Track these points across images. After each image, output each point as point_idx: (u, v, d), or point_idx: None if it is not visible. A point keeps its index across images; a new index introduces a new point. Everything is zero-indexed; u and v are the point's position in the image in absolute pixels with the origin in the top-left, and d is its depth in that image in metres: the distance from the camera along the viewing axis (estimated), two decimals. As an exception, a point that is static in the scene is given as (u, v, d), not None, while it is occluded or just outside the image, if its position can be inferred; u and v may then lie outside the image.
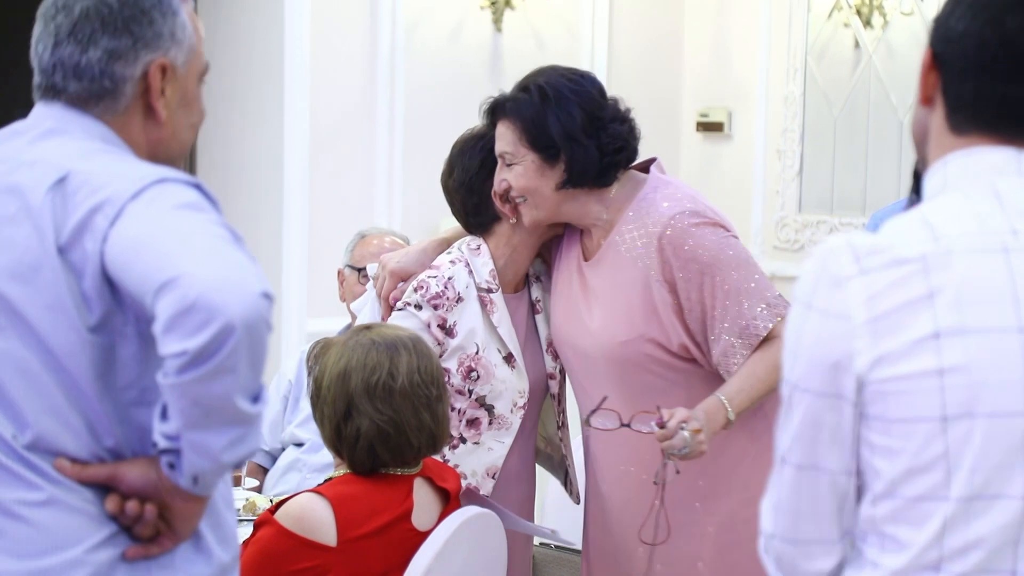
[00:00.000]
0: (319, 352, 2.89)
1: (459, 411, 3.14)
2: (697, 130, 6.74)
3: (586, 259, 3.17)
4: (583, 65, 6.48)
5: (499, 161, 3.16)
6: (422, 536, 2.79)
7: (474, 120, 6.41)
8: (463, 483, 3.07)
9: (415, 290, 3.16)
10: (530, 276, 3.30)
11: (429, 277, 3.17)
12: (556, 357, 3.25)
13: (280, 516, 2.70)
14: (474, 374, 3.14)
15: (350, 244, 4.16)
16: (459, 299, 3.15)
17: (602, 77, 6.56)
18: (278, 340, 5.56)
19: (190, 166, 6.38)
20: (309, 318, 5.69)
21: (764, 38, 6.45)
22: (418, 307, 3.14)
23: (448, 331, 3.14)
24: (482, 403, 3.16)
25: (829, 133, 6.29)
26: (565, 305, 3.19)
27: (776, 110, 6.43)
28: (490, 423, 3.16)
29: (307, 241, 5.84)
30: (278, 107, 5.88)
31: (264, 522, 2.72)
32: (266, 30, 5.94)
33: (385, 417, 2.76)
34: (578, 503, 3.35)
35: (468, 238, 3.27)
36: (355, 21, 5.95)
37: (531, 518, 3.32)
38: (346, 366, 2.78)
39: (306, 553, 2.67)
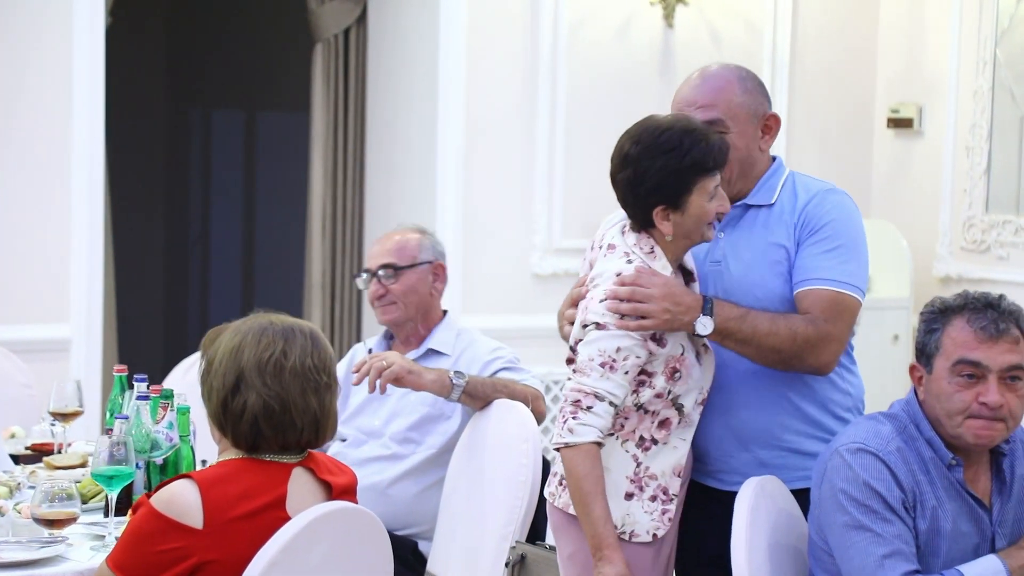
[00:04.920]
0: (213, 336, 2.97)
1: (653, 413, 3.11)
2: (888, 126, 6.48)
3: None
4: (764, 62, 6.32)
5: None
6: None
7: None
8: (674, 486, 3.13)
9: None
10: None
11: None
12: None
13: (153, 498, 2.77)
14: (678, 374, 3.11)
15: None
16: None
17: (783, 74, 6.38)
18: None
19: (359, 163, 6.45)
20: (463, 314, 5.66)
21: (955, 28, 6.15)
22: None
23: (659, 341, 3.10)
24: (675, 402, 3.13)
25: (1016, 129, 5.95)
26: None
27: (965, 105, 6.12)
28: (679, 422, 3.14)
29: (462, 242, 5.85)
30: (432, 107, 5.90)
31: (141, 504, 2.81)
32: (422, 29, 5.96)
33: (272, 393, 2.81)
34: None
35: (633, 239, 3.18)
36: (514, 20, 5.93)
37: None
38: (240, 342, 2.85)
39: (172, 534, 2.73)
